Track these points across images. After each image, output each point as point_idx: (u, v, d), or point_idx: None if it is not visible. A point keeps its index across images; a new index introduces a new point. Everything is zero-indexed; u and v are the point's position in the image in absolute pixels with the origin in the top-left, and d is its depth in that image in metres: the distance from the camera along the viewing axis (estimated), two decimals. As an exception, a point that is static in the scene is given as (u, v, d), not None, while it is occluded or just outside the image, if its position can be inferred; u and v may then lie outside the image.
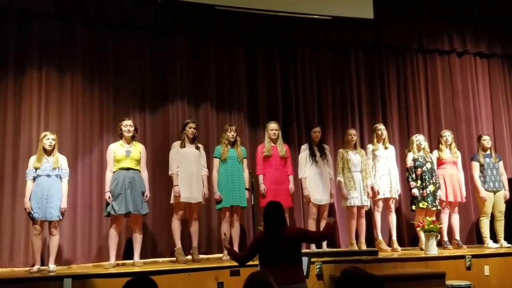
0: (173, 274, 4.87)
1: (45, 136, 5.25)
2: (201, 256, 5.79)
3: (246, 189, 5.79)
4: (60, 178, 5.20)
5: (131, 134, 5.48)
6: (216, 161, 5.84)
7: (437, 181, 6.36)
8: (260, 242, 3.77)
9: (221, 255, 5.82)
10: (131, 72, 6.49)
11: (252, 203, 5.72)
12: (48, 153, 5.21)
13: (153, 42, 6.68)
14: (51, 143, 5.20)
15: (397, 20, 7.69)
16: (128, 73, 6.48)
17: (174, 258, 5.58)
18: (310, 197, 6.02)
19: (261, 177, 5.91)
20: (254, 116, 6.99)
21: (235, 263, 5.13)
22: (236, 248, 5.75)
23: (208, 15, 6.77)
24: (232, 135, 5.87)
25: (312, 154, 6.16)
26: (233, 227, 5.76)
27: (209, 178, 5.86)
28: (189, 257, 5.60)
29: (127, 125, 5.47)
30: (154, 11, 6.57)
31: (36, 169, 5.12)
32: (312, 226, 6.00)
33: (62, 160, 5.27)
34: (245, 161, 5.92)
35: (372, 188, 6.34)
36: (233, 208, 5.74)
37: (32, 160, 5.21)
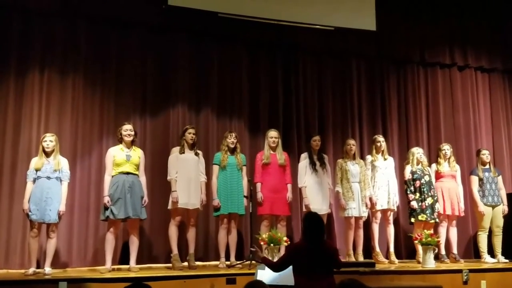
0: (169, 280, 4.84)
1: (43, 137, 5.25)
2: (198, 262, 5.76)
3: (244, 196, 5.78)
4: (60, 180, 5.19)
5: (131, 138, 5.46)
6: (215, 168, 5.83)
7: (435, 194, 6.36)
8: (300, 250, 3.81)
9: (217, 262, 5.79)
10: (133, 75, 6.50)
11: (251, 211, 5.73)
12: (48, 154, 5.20)
13: (155, 45, 6.68)
14: (48, 144, 5.18)
15: (400, 32, 7.71)
16: (130, 76, 6.49)
17: (170, 264, 5.56)
18: (310, 207, 5.99)
19: (258, 185, 5.89)
20: (254, 123, 6.99)
21: (231, 271, 5.17)
22: (232, 256, 5.75)
23: (211, 20, 6.78)
24: (232, 142, 5.86)
25: (312, 163, 6.15)
26: (231, 234, 5.75)
27: (208, 184, 5.84)
28: (186, 263, 5.57)
29: (127, 130, 5.46)
30: (158, 14, 6.56)
31: (36, 170, 5.10)
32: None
33: (63, 163, 5.26)
34: (244, 168, 5.91)
35: (371, 199, 6.33)
36: (230, 215, 5.73)
37: (33, 161, 5.19)
